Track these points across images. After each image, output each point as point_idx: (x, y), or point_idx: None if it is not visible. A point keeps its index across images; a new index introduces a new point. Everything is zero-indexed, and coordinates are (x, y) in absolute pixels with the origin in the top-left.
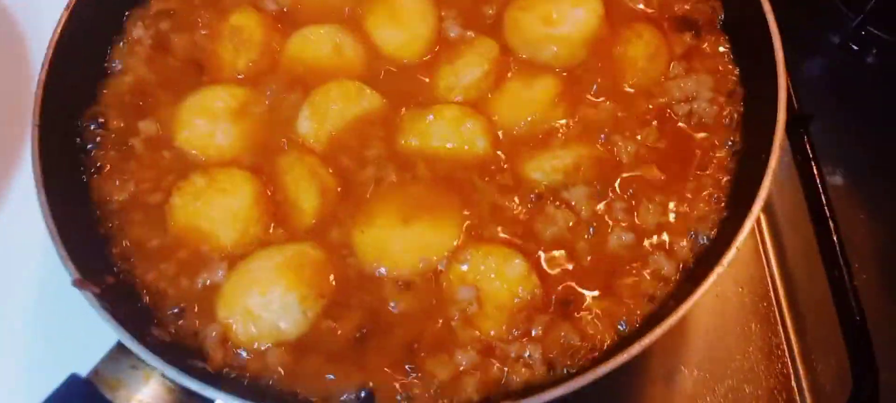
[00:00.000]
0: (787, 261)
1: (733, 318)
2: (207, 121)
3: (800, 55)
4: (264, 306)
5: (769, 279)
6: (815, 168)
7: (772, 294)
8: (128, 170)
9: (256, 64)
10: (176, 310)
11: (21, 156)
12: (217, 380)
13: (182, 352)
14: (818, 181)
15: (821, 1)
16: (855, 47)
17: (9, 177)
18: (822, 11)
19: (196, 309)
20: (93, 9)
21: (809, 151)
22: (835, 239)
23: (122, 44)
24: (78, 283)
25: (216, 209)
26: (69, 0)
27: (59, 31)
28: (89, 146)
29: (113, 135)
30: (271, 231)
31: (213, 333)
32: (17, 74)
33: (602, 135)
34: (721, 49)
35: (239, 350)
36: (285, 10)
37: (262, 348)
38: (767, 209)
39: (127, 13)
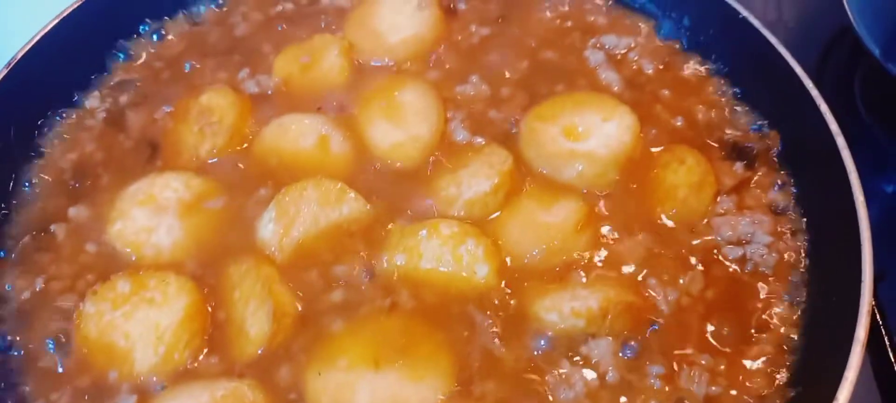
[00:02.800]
0: None
1: None
2: (150, 213)
3: None
4: None
5: None
6: (887, 341)
7: None
8: (40, 262)
9: (222, 151)
10: None
11: None
12: None
13: None
14: (892, 356)
15: (877, 148)
16: None
17: None
18: (873, 158)
19: None
20: (38, 72)
21: (880, 321)
22: None
23: (72, 114)
24: None
25: (138, 323)
26: (12, 57)
27: None
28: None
29: (34, 218)
30: (202, 359)
31: None
32: None
33: (638, 277)
34: (779, 184)
35: None
36: (269, 92)
37: None
38: None
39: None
